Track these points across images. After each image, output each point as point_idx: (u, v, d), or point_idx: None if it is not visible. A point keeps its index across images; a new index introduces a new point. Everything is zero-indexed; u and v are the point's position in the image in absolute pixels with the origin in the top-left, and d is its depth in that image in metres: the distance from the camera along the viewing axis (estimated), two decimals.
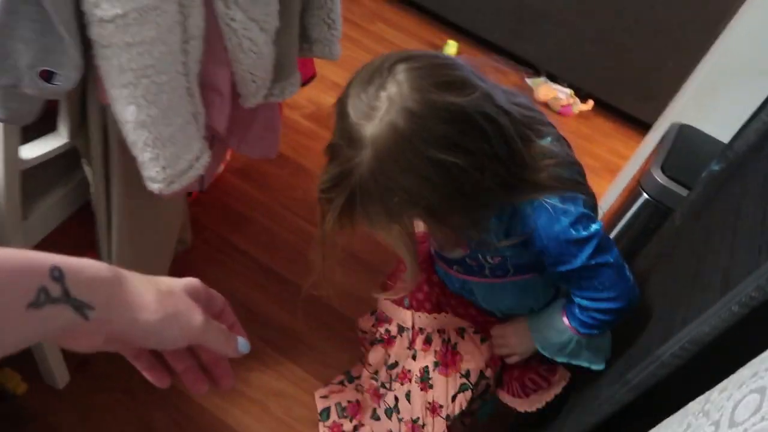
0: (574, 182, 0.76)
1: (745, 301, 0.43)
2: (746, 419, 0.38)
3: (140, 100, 0.68)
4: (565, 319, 0.82)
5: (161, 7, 0.65)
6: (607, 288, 0.76)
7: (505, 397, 0.99)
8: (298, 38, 0.93)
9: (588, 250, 0.73)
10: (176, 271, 1.30)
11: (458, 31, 2.53)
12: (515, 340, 0.91)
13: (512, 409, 1.00)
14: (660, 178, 1.07)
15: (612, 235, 1.18)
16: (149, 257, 1.05)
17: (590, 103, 2.47)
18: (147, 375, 0.46)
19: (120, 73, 0.66)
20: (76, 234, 1.17)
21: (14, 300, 0.33)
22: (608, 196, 1.71)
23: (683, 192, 1.03)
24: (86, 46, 0.66)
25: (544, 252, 0.74)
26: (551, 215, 0.71)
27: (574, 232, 0.72)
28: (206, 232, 1.57)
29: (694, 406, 0.47)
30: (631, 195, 1.17)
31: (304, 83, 1.22)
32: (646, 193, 1.09)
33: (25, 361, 1.17)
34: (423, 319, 0.96)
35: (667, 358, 0.49)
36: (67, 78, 0.64)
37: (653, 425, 0.53)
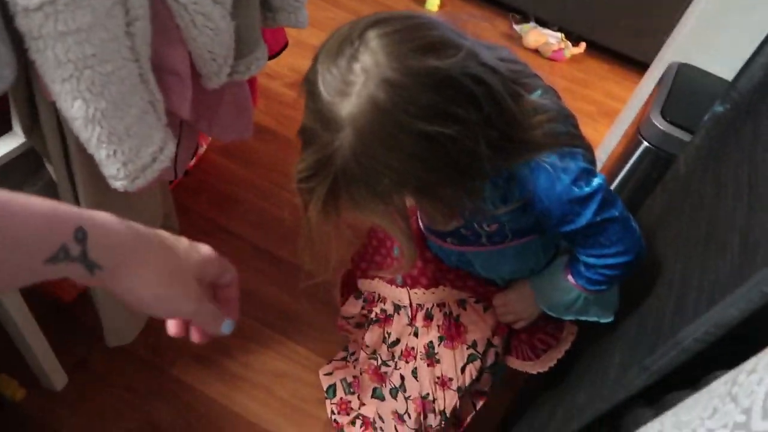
0: (571, 136, 0.70)
1: None
2: None
3: (85, 94, 0.62)
4: (570, 278, 0.79)
5: None
6: (614, 243, 0.72)
7: (515, 363, 0.96)
8: (260, 7, 0.85)
9: (593, 206, 0.68)
10: None
11: None
12: (519, 306, 0.88)
13: (523, 373, 0.97)
14: (660, 123, 1.01)
15: (613, 187, 1.13)
16: None
17: (582, 45, 2.37)
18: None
19: (58, 67, 0.59)
20: None
21: (35, 253, 0.35)
22: (607, 142, 1.64)
23: (686, 137, 0.97)
24: (19, 40, 0.59)
25: (546, 214, 0.70)
26: (551, 175, 0.66)
27: (576, 190, 0.67)
28: (193, 216, 1.52)
29: (719, 387, 0.43)
30: (630, 143, 1.11)
31: (276, 54, 1.14)
32: (647, 141, 1.03)
33: (20, 366, 1.14)
34: (420, 295, 0.92)
35: (689, 343, 0.45)
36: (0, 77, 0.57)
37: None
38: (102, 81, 0.62)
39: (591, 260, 0.75)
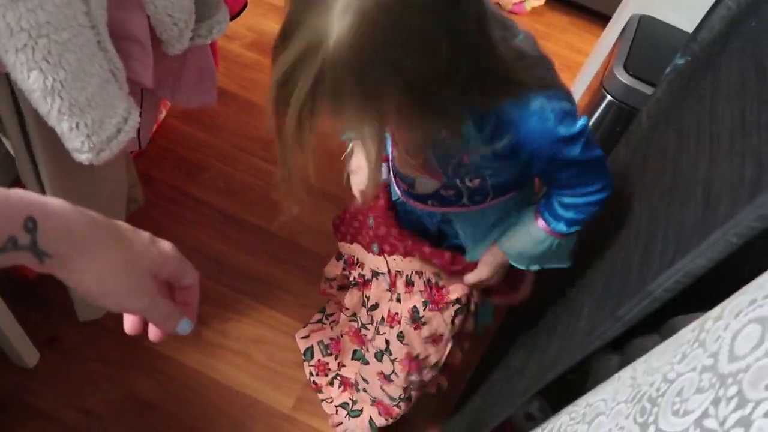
0: (553, 79, 0.71)
1: (744, 232, 0.40)
2: (748, 353, 0.36)
3: (42, 64, 0.59)
4: (544, 225, 0.80)
5: None
6: (597, 180, 0.75)
7: (498, 299, 0.99)
8: None
9: (579, 146, 0.70)
10: None
11: None
12: (489, 272, 0.88)
13: (510, 305, 0.99)
14: (623, 77, 1.02)
15: None
16: None
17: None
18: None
19: (10, 36, 0.56)
20: None
21: None
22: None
23: (649, 90, 0.99)
24: None
25: (534, 157, 0.71)
26: (540, 116, 0.67)
27: (563, 130, 0.68)
28: (158, 185, 1.49)
29: (687, 334, 0.45)
30: (594, 96, 1.13)
31: (235, 15, 1.10)
32: (610, 95, 1.05)
33: None
34: (398, 262, 0.93)
35: (659, 293, 0.47)
36: None
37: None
38: (58, 50, 0.59)
39: (575, 200, 0.77)
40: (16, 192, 0.36)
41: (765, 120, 0.52)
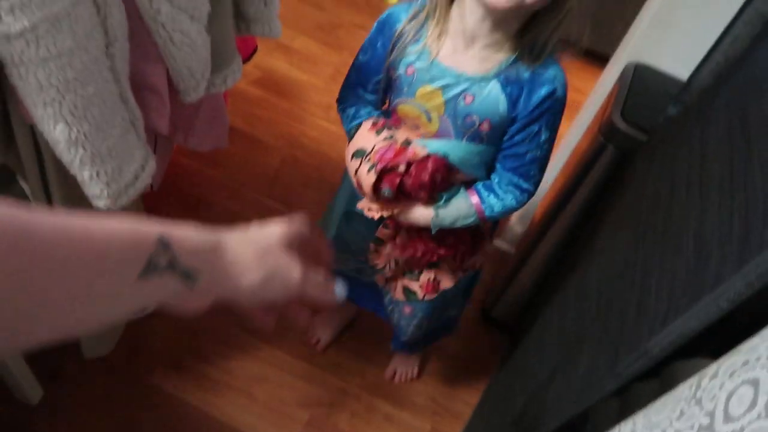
0: None
1: (734, 298, 0.43)
2: (742, 415, 0.38)
3: (68, 117, 0.62)
4: (475, 199, 0.89)
5: (74, 12, 0.58)
6: (536, 173, 0.87)
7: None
8: (234, 18, 0.86)
9: (558, 119, 0.85)
10: None
11: None
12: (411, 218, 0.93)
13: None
14: (620, 124, 1.06)
15: (577, 184, 1.18)
16: None
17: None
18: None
19: (40, 92, 0.59)
20: None
21: (125, 272, 0.35)
22: (570, 136, 1.70)
23: (645, 137, 1.03)
24: None
25: (542, 115, 0.81)
26: (558, 81, 0.80)
27: (563, 97, 0.83)
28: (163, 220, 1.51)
29: (685, 390, 0.47)
30: (593, 141, 1.16)
31: (247, 59, 1.15)
32: (608, 141, 1.08)
33: None
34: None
35: (657, 352, 0.49)
36: None
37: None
38: (84, 103, 0.63)
39: (509, 176, 0.87)
40: (141, 220, 0.37)
41: (751, 179, 0.55)
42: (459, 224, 0.90)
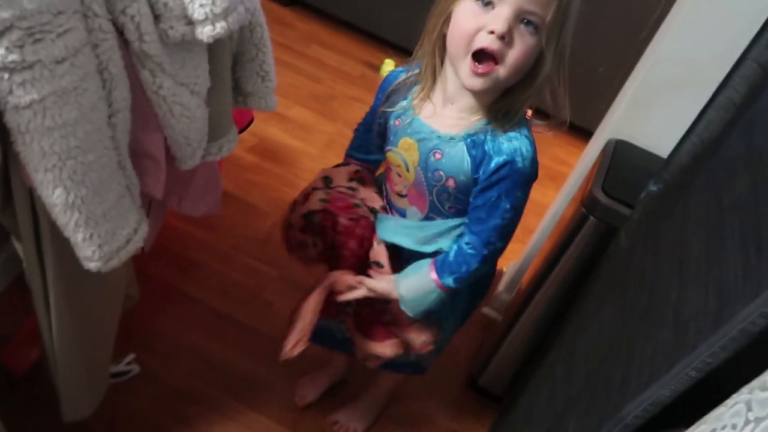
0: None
1: (701, 367, 0.44)
2: None
3: (67, 182, 0.64)
4: (433, 273, 0.92)
5: (82, 86, 0.61)
6: (496, 241, 0.89)
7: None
8: (232, 92, 0.90)
9: (526, 191, 0.87)
10: (125, 329, 1.25)
11: (394, 49, 2.54)
12: (370, 291, 0.98)
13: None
14: (602, 198, 1.09)
15: (561, 255, 1.20)
16: (94, 325, 1.00)
17: (528, 112, 2.52)
18: None
19: (43, 158, 0.62)
20: (17, 300, 1.11)
21: None
22: (556, 207, 1.74)
23: (627, 211, 1.06)
24: (3, 130, 0.61)
25: (499, 182, 0.84)
26: (521, 153, 0.84)
27: (531, 171, 0.86)
28: (154, 283, 1.51)
29: None
30: (576, 214, 1.19)
31: (243, 129, 1.19)
32: (590, 214, 1.12)
33: None
34: None
35: (630, 420, 0.50)
36: None
37: None
38: (83, 170, 0.65)
39: (472, 238, 0.89)
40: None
41: (725, 256, 0.57)
42: (429, 301, 0.94)
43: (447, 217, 0.93)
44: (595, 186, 1.13)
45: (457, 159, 0.85)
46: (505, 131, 0.83)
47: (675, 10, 1.30)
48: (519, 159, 0.83)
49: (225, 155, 0.89)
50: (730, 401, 0.47)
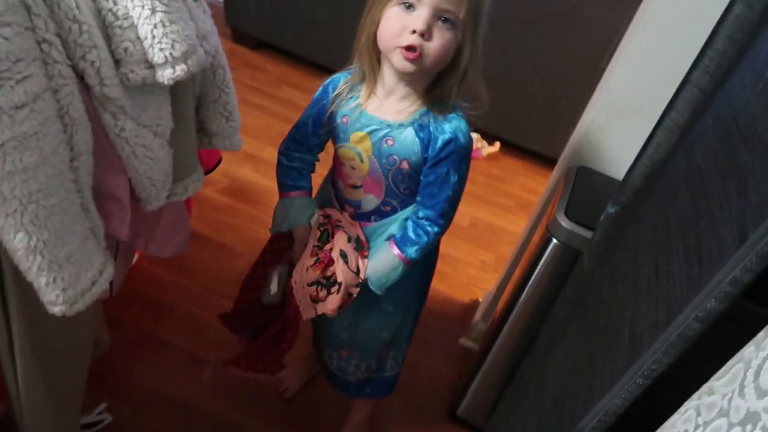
0: None
1: (647, 374, 0.46)
2: None
3: (29, 226, 0.65)
4: (395, 249, 1.02)
5: (42, 130, 0.62)
6: (449, 210, 1.01)
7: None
8: (197, 132, 0.92)
9: (466, 164, 0.99)
10: (97, 377, 1.23)
11: None
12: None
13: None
14: (565, 222, 1.12)
15: (530, 279, 1.22)
16: (61, 374, 0.98)
17: (497, 144, 2.58)
18: None
19: (3, 203, 0.62)
20: None
21: None
22: (525, 233, 1.77)
23: (589, 234, 1.09)
24: None
25: (447, 157, 0.95)
26: (463, 132, 0.96)
27: (469, 146, 0.98)
28: (126, 328, 1.50)
29: None
30: (542, 238, 1.22)
31: (211, 170, 1.20)
32: (555, 238, 1.14)
33: None
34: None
35: (588, 431, 0.51)
36: None
37: None
38: (45, 213, 0.66)
39: (428, 212, 1.00)
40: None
41: (671, 270, 0.59)
42: (393, 277, 1.03)
43: (402, 199, 1.03)
44: (558, 211, 1.16)
45: (408, 142, 0.96)
46: (444, 115, 0.95)
47: (624, 42, 1.36)
48: (460, 135, 0.95)
49: (191, 195, 0.90)
50: (682, 408, 0.48)
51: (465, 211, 2.20)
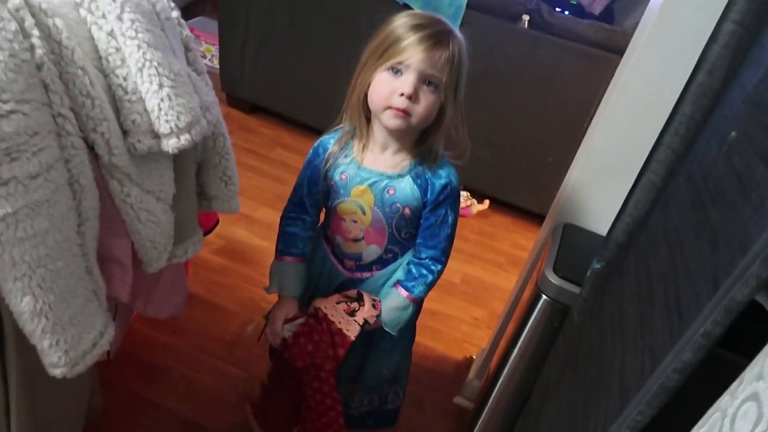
0: None
1: (633, 425, 0.48)
2: None
3: (36, 290, 0.67)
4: (403, 292, 1.10)
5: (53, 198, 0.66)
6: (448, 247, 1.11)
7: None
8: (197, 196, 0.96)
9: (459, 202, 1.10)
10: None
11: None
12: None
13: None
14: (553, 278, 1.15)
15: (522, 335, 1.24)
16: None
17: (486, 202, 2.64)
18: None
19: (13, 267, 0.65)
20: None
21: None
22: (516, 290, 1.80)
23: (577, 290, 1.12)
24: None
25: (445, 200, 1.06)
26: (454, 178, 1.06)
27: (459, 185, 1.08)
28: (117, 391, 1.48)
29: None
30: (532, 294, 1.25)
31: (208, 232, 1.23)
32: (545, 294, 1.17)
33: None
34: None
35: None
36: None
37: None
38: (52, 277, 0.68)
39: (431, 252, 1.10)
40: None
41: (654, 321, 0.62)
42: (405, 317, 1.12)
43: (402, 244, 1.11)
44: (547, 267, 1.19)
45: (408, 190, 1.05)
46: (435, 163, 1.06)
47: (602, 106, 1.44)
48: (453, 179, 1.06)
49: (190, 257, 0.93)
50: None
51: (457, 268, 2.23)
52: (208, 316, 1.77)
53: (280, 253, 1.15)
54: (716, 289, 0.52)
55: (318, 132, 1.14)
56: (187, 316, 1.73)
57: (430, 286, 1.11)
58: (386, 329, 1.12)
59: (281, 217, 1.16)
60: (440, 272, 1.12)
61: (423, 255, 1.10)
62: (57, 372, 0.74)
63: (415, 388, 1.31)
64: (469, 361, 1.87)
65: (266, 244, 2.05)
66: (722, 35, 0.77)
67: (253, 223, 2.16)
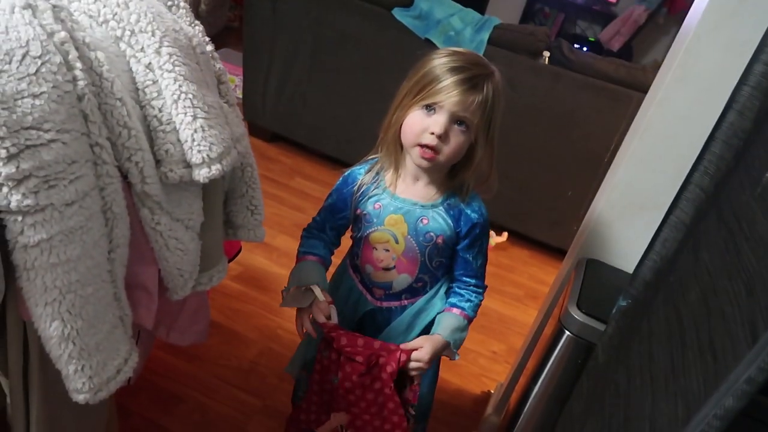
0: None
1: None
2: None
3: (65, 315, 0.68)
4: (457, 311, 1.12)
5: (87, 225, 0.67)
6: (484, 272, 1.16)
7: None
8: (223, 225, 0.96)
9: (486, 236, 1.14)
10: None
11: None
12: (431, 357, 1.08)
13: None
14: (577, 315, 1.14)
15: (544, 371, 1.22)
16: None
17: (505, 235, 2.63)
18: None
19: (44, 292, 0.65)
20: None
21: None
22: (537, 325, 1.78)
23: (602, 327, 1.10)
24: (6, 267, 0.66)
25: (479, 237, 1.10)
26: (483, 209, 1.11)
27: (485, 220, 1.12)
28: (133, 419, 1.48)
29: None
30: (554, 330, 1.23)
31: (231, 259, 1.24)
32: (568, 330, 1.15)
33: None
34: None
35: None
36: None
37: None
38: (81, 302, 0.69)
39: (473, 280, 1.14)
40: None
41: (688, 365, 0.61)
42: (463, 336, 1.13)
43: (432, 273, 1.12)
44: (570, 303, 1.18)
45: (441, 220, 1.08)
46: (466, 196, 1.09)
47: (625, 143, 1.44)
48: (484, 212, 1.11)
49: (215, 284, 0.94)
50: None
51: None
52: (226, 342, 1.77)
53: (301, 254, 1.17)
54: (754, 333, 0.51)
55: (337, 161, 1.17)
56: (205, 343, 1.72)
57: (478, 307, 1.15)
58: (453, 348, 1.13)
59: (302, 235, 1.19)
60: (482, 295, 1.16)
61: (466, 280, 1.14)
62: (80, 398, 0.74)
63: (431, 422, 1.29)
64: (486, 396, 1.84)
65: (284, 272, 2.05)
66: (753, 76, 0.77)
67: (271, 251, 2.17)
